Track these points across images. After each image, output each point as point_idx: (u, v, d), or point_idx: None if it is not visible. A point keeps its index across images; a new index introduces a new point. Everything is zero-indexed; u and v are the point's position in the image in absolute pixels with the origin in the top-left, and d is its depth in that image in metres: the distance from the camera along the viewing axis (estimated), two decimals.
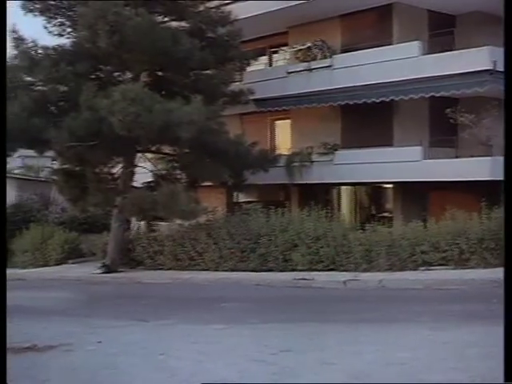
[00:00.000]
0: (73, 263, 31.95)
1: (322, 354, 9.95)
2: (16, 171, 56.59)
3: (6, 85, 7.21)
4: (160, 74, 27.66)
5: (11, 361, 9.57)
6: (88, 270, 27.79)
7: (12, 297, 20.97)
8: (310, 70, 28.01)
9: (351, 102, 26.69)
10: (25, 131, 24.40)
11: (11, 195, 41.81)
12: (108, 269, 27.15)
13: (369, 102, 26.01)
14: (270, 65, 32.77)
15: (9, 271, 29.47)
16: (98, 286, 24.67)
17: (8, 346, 10.50)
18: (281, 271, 23.50)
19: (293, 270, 23.20)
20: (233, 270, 24.79)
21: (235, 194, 32.54)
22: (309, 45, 28.44)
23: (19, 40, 26.25)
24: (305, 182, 28.22)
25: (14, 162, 63.07)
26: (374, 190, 30.00)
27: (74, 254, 32.79)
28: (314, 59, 28.12)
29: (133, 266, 27.71)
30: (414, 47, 25.17)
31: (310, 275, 21.91)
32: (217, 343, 11.06)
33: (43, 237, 31.33)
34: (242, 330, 12.38)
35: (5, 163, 7.47)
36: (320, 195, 28.73)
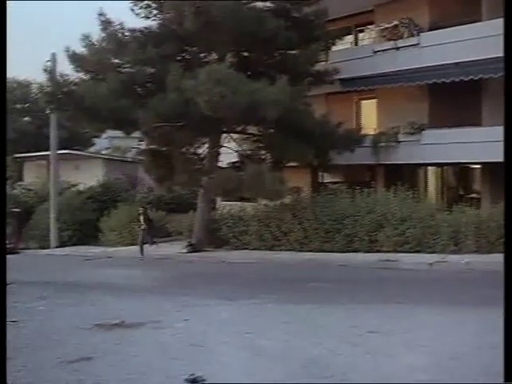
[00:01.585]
0: (160, 242, 32.42)
1: (411, 336, 9.85)
2: (104, 152, 57.75)
3: (6, 84, 7.28)
4: (245, 54, 27.69)
5: (101, 337, 9.79)
6: (174, 249, 28.15)
7: (102, 274, 21.47)
8: (397, 48, 27.56)
9: (439, 81, 26.19)
10: (112, 112, 24.82)
11: (99, 175, 42.71)
12: (194, 248, 27.44)
13: (457, 80, 25.48)
14: (356, 44, 32.39)
15: (98, 249, 30.29)
16: (184, 265, 24.96)
17: (97, 322, 10.76)
18: (366, 252, 23.33)
19: (378, 252, 23.02)
20: (318, 251, 24.73)
21: (320, 174, 32.40)
22: (395, 23, 27.97)
23: (107, 23, 26.65)
24: (391, 163, 27.87)
25: (101, 143, 64.43)
26: (462, 171, 29.46)
27: (160, 233, 33.28)
28: (401, 37, 27.64)
29: (218, 246, 27.93)
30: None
31: (395, 257, 21.69)
32: (303, 323, 11.06)
33: (131, 216, 31.85)
34: (329, 311, 12.34)
35: (5, 163, 7.55)
36: (406, 176, 28.33)
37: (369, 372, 7.66)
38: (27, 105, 58.79)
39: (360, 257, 22.67)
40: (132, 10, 27.77)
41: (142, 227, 28.71)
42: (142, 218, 28.97)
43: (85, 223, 36.64)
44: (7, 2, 7.77)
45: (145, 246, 28.10)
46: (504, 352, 6.12)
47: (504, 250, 6.73)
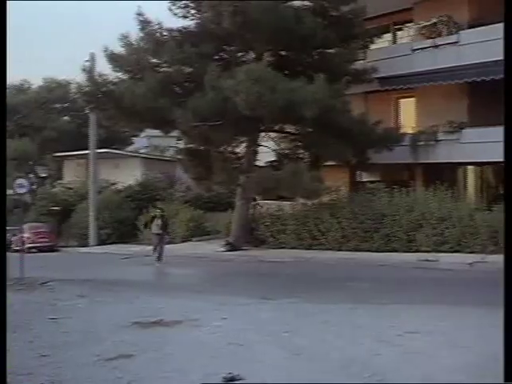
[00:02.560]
0: (197, 241, 32.54)
1: (451, 336, 9.76)
2: (142, 151, 58.10)
3: (6, 84, 7.31)
4: (283, 53, 27.66)
5: (139, 335, 9.84)
6: (212, 248, 28.24)
7: (140, 272, 21.57)
8: (436, 46, 27.31)
9: (478, 79, 25.92)
10: (151, 111, 24.97)
11: (138, 174, 42.99)
12: (232, 247, 27.50)
13: (497, 78, 25.20)
14: (395, 42, 32.18)
15: (137, 247, 30.37)
16: (222, 264, 25.02)
17: (136, 320, 10.82)
18: (405, 252, 23.19)
19: (417, 251, 22.87)
20: (356, 250, 24.65)
21: (358, 173, 32.25)
22: (434, 21, 27.70)
23: (145, 22, 26.82)
24: (430, 162, 27.65)
25: (140, 142, 64.80)
26: (502, 170, 29.12)
27: (198, 232, 33.39)
28: (440, 35, 27.38)
29: (256, 245, 27.95)
30: None
31: (434, 256, 21.53)
32: (341, 322, 11.03)
33: (169, 215, 32.02)
34: (368, 310, 12.28)
35: (5, 163, 7.57)
36: (445, 175, 28.06)
37: (408, 372, 7.60)
38: (66, 104, 59.32)
39: (398, 256, 22.53)
40: (170, 9, 27.90)
41: (156, 232, 25.30)
42: (158, 221, 25.44)
43: (123, 222, 36.95)
44: (7, 3, 7.82)
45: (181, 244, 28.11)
46: (504, 352, 6.03)
47: (504, 250, 6.64)
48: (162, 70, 27.20)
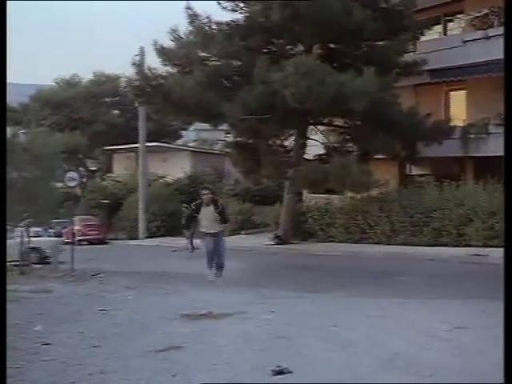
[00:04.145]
0: (246, 234, 32.61)
1: (501, 333, 9.61)
2: (191, 144, 58.41)
3: (6, 84, 7.34)
4: (332, 45, 27.59)
5: (188, 326, 9.88)
6: (261, 241, 28.31)
7: (188, 265, 21.67)
8: (487, 37, 26.93)
9: None
10: (199, 105, 25.07)
11: (186, 167, 43.22)
12: (280, 240, 27.52)
13: None
14: (445, 34, 31.83)
15: (186, 240, 30.41)
16: (270, 257, 25.05)
17: (185, 312, 10.87)
18: (454, 246, 22.97)
19: (467, 246, 22.64)
20: (404, 244, 24.49)
21: (408, 166, 32.01)
22: (485, 11, 27.36)
23: (194, 16, 26.91)
24: (481, 155, 27.33)
25: (189, 136, 65.15)
26: None
27: (247, 225, 33.47)
28: (491, 26, 27.01)
29: (304, 238, 27.94)
30: None
31: (484, 251, 21.28)
32: (390, 317, 10.95)
33: (236, 208, 32.18)
34: (416, 305, 12.17)
35: (5, 162, 7.59)
36: (497, 168, 27.67)
37: (456, 368, 7.52)
38: (116, 98, 59.81)
39: (448, 251, 22.33)
40: (219, 3, 27.96)
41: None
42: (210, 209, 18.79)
43: (173, 214, 37.17)
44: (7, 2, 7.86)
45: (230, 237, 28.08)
46: (504, 352, 5.91)
47: (504, 246, 6.51)
48: (210, 63, 27.28)
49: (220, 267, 15.69)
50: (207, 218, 15.35)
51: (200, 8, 27.25)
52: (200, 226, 15.72)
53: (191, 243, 23.95)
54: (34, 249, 24.70)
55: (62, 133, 48.28)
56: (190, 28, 27.22)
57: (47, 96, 59.32)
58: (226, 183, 41.83)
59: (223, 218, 15.73)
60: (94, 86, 60.04)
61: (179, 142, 61.17)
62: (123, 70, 40.09)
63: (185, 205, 25.68)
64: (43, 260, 25.50)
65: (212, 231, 15.43)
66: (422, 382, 6.87)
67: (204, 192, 15.54)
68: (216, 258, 15.61)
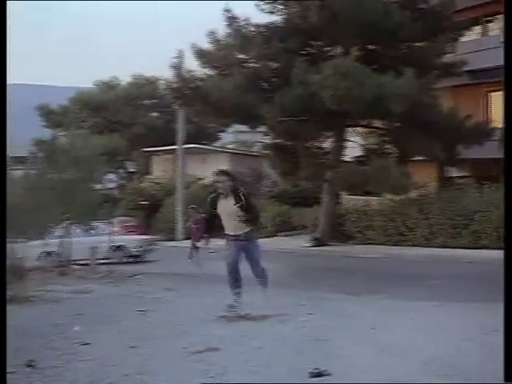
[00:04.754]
0: (284, 236, 32.61)
1: None
2: (229, 146, 58.53)
3: (6, 84, 7.38)
4: (370, 47, 27.47)
5: (226, 328, 9.90)
6: (298, 243, 28.28)
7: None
8: None
9: None
10: (238, 107, 25.17)
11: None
12: (319, 242, 27.50)
13: None
14: (484, 34, 31.54)
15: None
16: (308, 259, 25.01)
17: (223, 314, 10.89)
18: (494, 249, 22.71)
19: None
20: (443, 247, 24.32)
21: (447, 168, 31.75)
22: None
23: (232, 18, 26.99)
24: None
25: (227, 137, 65.30)
26: None
27: (284, 227, 33.45)
28: None
29: (342, 240, 27.85)
30: None
31: None
32: (428, 320, 10.88)
33: (272, 210, 32.21)
34: (454, 308, 12.08)
35: (5, 162, 7.63)
36: None
37: (491, 372, 7.45)
38: (155, 100, 60.17)
39: (488, 253, 22.10)
40: (257, 5, 28.00)
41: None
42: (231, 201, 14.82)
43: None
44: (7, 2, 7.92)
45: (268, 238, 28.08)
46: (504, 352, 5.89)
47: (504, 248, 6.45)
48: (249, 65, 27.35)
49: (260, 276, 11.77)
50: (228, 214, 10.96)
51: (238, 10, 27.35)
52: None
53: (193, 249, 21.80)
54: (118, 247, 25.32)
55: (101, 135, 48.67)
56: (229, 30, 27.31)
57: (87, 98, 59.88)
58: (264, 185, 41.87)
59: (250, 214, 11.01)
60: (133, 88, 60.49)
61: (218, 143, 61.35)
62: (162, 72, 40.35)
63: (192, 206, 22.28)
64: (132, 258, 26.11)
65: (234, 233, 11.08)
66: None
67: (219, 178, 11.01)
68: (252, 269, 11.60)
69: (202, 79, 27.48)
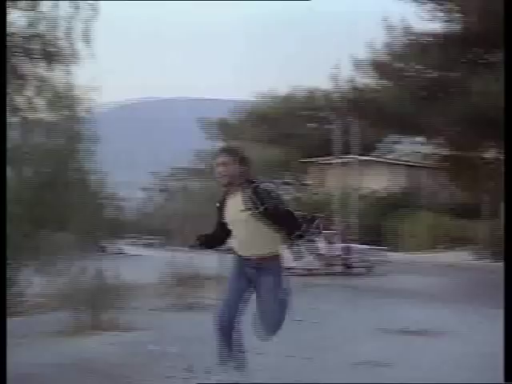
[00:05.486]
0: (444, 248, 31.92)
1: None
2: (388, 157, 57.90)
3: (6, 84, 7.22)
4: None
5: (397, 343, 9.68)
6: (462, 257, 27.51)
7: (401, 281, 21.32)
8: None
9: None
10: (411, 118, 24.88)
11: (383, 180, 42.90)
12: (483, 256, 26.74)
13: None
14: None
15: (398, 256, 29.63)
16: (472, 273, 24.16)
17: (396, 328, 10.68)
18: None
19: None
20: None
21: None
22: None
23: (390, 28, 26.82)
24: None
25: (385, 148, 64.54)
26: None
27: (443, 240, 32.74)
28: None
29: None
30: None
31: None
32: None
33: (432, 222, 31.69)
34: None
35: (5, 162, 7.49)
36: None
37: None
38: (313, 112, 60.47)
39: None
40: (417, 13, 27.65)
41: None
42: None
43: (370, 228, 36.96)
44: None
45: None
46: (504, 352, 5.54)
47: (504, 252, 6.25)
48: (426, 75, 27.04)
49: (268, 328, 6.26)
50: (232, 220, 6.22)
51: (395, 19, 27.01)
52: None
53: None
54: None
55: (270, 146, 49.22)
56: (404, 40, 27.03)
57: (262, 111, 61.01)
58: (423, 196, 41.17)
59: (277, 223, 6.04)
60: (291, 99, 61.03)
61: (375, 154, 60.76)
62: (319, 83, 40.54)
63: None
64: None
65: (243, 254, 6.23)
66: None
67: (221, 159, 6.16)
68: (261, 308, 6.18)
69: (374, 90, 27.48)
